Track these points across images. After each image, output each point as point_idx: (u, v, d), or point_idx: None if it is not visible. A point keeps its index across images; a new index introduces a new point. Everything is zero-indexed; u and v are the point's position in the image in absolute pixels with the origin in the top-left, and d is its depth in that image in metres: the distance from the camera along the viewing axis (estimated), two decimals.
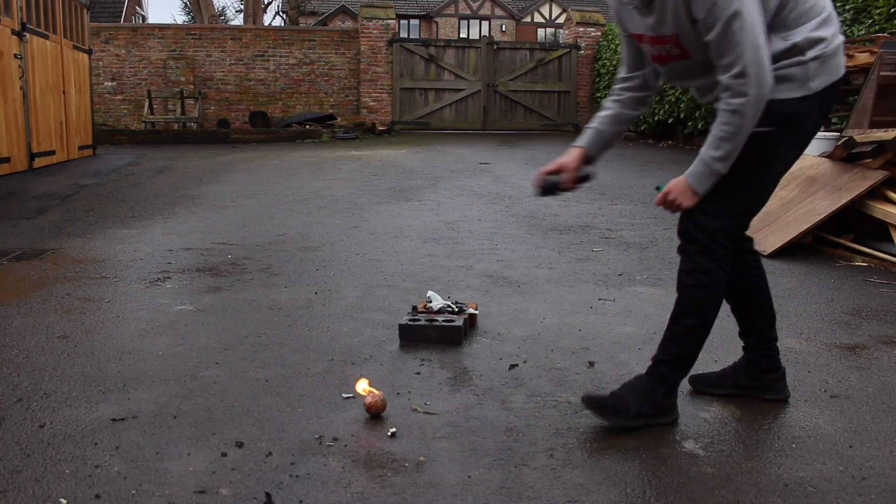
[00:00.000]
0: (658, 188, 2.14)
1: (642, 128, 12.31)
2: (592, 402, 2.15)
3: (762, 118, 1.94)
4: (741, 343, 2.39)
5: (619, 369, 2.61)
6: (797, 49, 1.96)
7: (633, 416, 2.12)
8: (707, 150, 1.99)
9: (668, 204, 2.09)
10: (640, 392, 2.14)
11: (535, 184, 2.31)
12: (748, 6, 1.85)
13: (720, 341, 2.92)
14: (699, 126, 10.39)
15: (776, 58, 1.95)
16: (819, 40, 1.98)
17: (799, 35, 1.96)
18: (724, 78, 1.91)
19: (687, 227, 2.12)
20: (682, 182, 2.05)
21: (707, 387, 2.40)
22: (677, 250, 2.17)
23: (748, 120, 1.91)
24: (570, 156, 2.26)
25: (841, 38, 2.04)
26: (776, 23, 1.96)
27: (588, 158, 2.29)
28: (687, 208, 2.06)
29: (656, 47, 2.07)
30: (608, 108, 2.31)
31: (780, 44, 1.96)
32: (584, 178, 2.29)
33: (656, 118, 11.60)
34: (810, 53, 1.97)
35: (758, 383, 2.35)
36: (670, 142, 11.62)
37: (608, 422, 2.13)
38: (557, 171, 2.26)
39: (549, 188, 2.28)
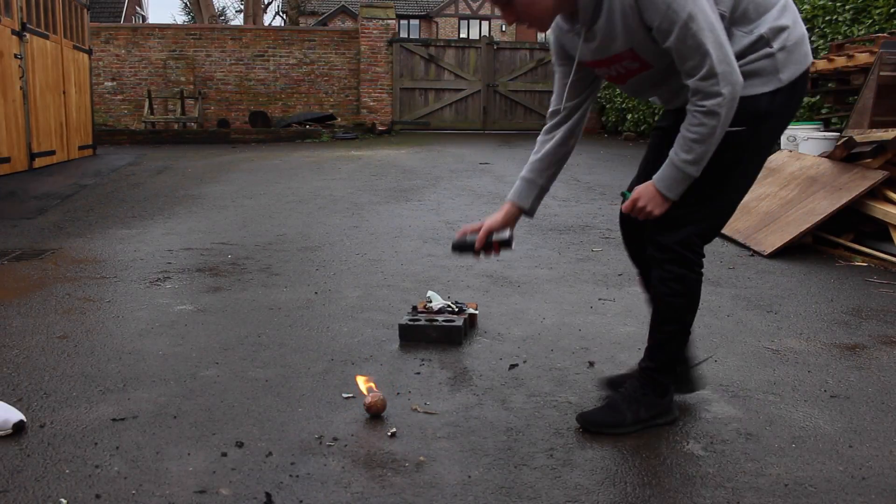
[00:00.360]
0: (624, 195, 2.02)
1: (642, 128, 12.30)
2: (588, 421, 2.12)
3: (733, 117, 1.86)
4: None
5: (619, 369, 2.60)
6: (763, 41, 1.89)
7: (630, 422, 2.10)
8: (678, 154, 1.88)
9: (637, 211, 1.98)
10: (634, 399, 2.12)
11: (455, 238, 2.14)
12: (701, 5, 1.77)
13: (720, 341, 2.92)
14: None
15: (742, 53, 1.88)
16: (783, 28, 1.90)
17: (763, 26, 1.89)
18: (692, 82, 1.82)
19: (657, 236, 2.02)
20: (651, 188, 1.95)
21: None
22: (649, 260, 2.10)
23: (723, 120, 1.82)
24: (497, 215, 2.14)
25: (803, 27, 1.98)
26: (736, 18, 1.89)
27: (524, 212, 2.19)
28: (658, 216, 1.96)
29: (612, 67, 1.98)
30: (540, 153, 2.18)
31: (745, 39, 1.89)
32: (504, 243, 2.12)
33: (656, 118, 11.59)
34: (776, 44, 1.89)
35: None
36: None
37: (609, 433, 2.10)
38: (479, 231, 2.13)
39: (461, 247, 2.11)
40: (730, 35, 1.86)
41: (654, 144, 2.17)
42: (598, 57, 1.97)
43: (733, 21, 1.89)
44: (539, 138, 2.23)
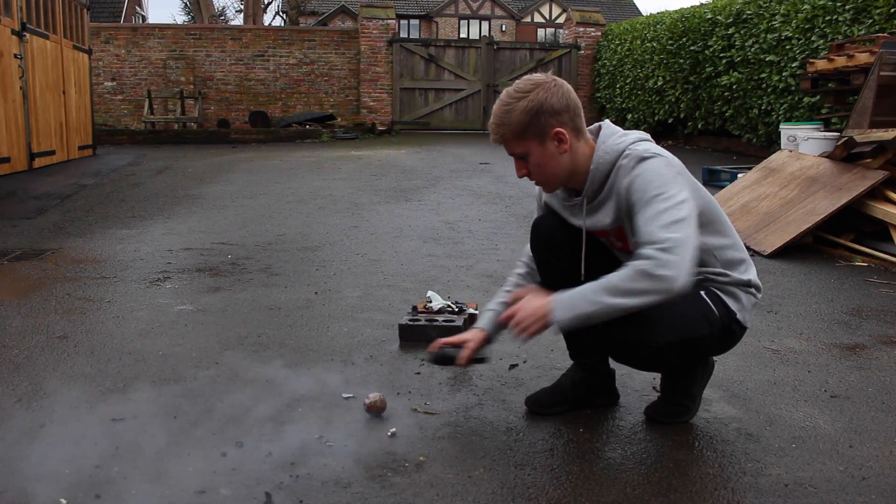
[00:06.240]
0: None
1: (642, 128, 12.29)
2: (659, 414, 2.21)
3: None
4: (576, 362, 2.32)
5: (617, 369, 2.60)
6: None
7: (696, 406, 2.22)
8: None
9: (517, 323, 1.92)
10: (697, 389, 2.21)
11: (431, 350, 2.21)
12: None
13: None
14: (699, 126, 10.39)
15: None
16: None
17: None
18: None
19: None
20: (548, 302, 1.89)
21: (545, 407, 2.25)
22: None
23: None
24: (472, 334, 2.19)
25: None
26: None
27: (489, 340, 2.21)
28: (532, 334, 1.91)
29: (604, 238, 2.13)
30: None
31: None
32: (479, 360, 2.20)
33: (656, 118, 11.59)
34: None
35: (594, 391, 2.29)
36: (670, 142, 11.62)
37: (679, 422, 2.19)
38: (457, 345, 2.17)
39: (442, 360, 2.19)
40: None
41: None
42: (594, 228, 2.09)
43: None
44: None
